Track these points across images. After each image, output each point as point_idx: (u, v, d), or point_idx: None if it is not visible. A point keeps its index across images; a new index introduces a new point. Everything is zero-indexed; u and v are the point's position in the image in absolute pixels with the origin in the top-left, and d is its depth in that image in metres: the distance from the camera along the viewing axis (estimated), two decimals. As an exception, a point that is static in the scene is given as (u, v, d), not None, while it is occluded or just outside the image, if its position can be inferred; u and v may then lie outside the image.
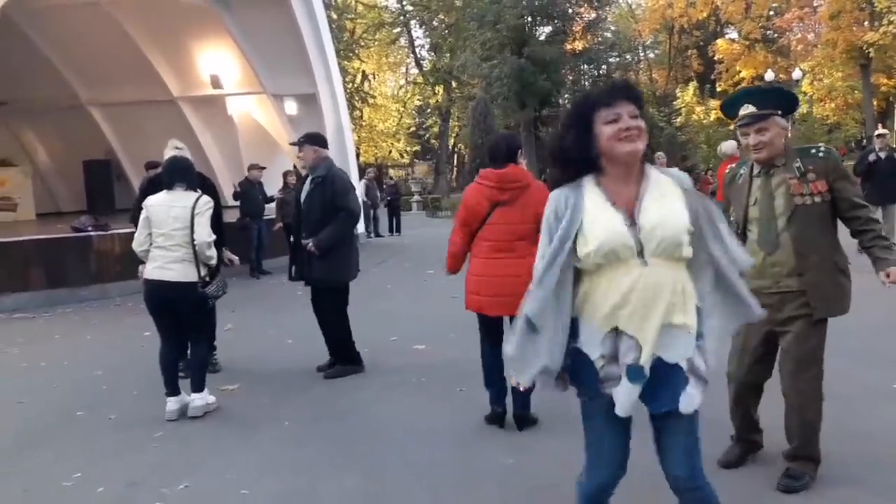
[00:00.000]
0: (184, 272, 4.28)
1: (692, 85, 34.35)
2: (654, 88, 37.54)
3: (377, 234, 17.85)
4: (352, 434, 4.06)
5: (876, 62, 30.16)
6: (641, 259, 1.93)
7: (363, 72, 39.39)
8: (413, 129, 47.52)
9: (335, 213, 4.99)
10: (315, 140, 5.21)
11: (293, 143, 5.48)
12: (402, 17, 40.04)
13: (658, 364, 1.94)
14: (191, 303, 4.35)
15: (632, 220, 1.95)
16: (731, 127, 29.91)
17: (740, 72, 35.36)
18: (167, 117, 15.92)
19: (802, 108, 33.84)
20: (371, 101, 39.62)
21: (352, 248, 5.26)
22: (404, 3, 39.73)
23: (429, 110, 46.32)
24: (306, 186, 5.19)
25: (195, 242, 4.27)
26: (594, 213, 1.98)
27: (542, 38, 29.22)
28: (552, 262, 2.00)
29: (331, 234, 4.95)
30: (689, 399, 1.95)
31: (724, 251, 2.01)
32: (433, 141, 47.42)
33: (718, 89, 36.92)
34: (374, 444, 3.88)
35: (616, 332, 1.96)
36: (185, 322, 4.42)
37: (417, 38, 42.43)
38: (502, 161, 3.83)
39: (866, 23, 28.56)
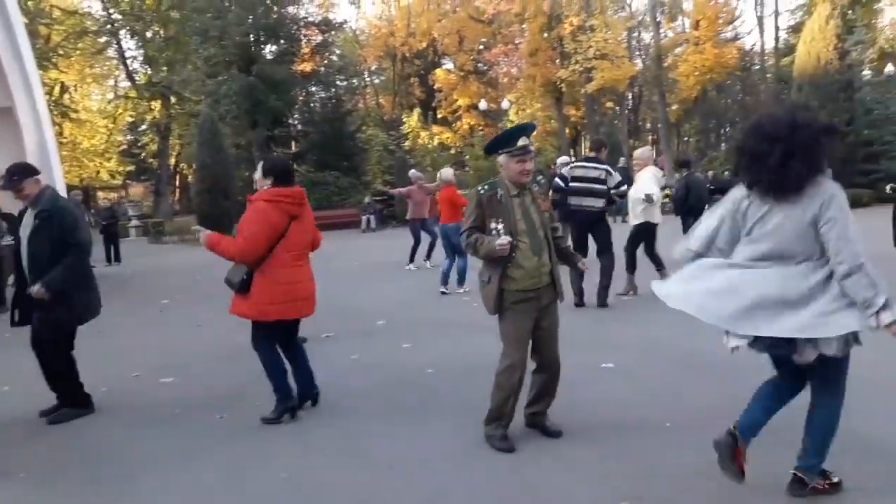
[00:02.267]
0: None
1: (416, 111, 36.58)
2: (381, 113, 39.21)
3: None
4: (104, 476, 3.65)
5: (567, 96, 35.15)
6: None
7: (62, 83, 35.04)
8: (125, 147, 43.47)
9: (66, 250, 4.42)
10: (31, 171, 4.58)
11: (3, 187, 4.58)
12: (109, 26, 36.40)
13: None
14: None
15: None
16: (452, 151, 32.22)
17: (457, 100, 38.60)
18: None
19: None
20: (73, 115, 35.39)
21: (91, 285, 4.69)
22: (111, 11, 36.21)
23: (144, 127, 42.74)
24: (27, 222, 4.50)
25: None
26: None
27: (270, 57, 28.84)
28: None
29: (62, 275, 4.38)
30: None
31: None
32: (151, 160, 43.81)
33: (439, 116, 39.84)
34: (134, 483, 3.54)
35: None
36: None
37: (129, 49, 38.93)
38: (292, 181, 4.37)
39: (558, 61, 33.10)
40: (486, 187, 3.66)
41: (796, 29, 30.84)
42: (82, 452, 4.04)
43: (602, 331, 6.38)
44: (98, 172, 39.93)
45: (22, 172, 4.52)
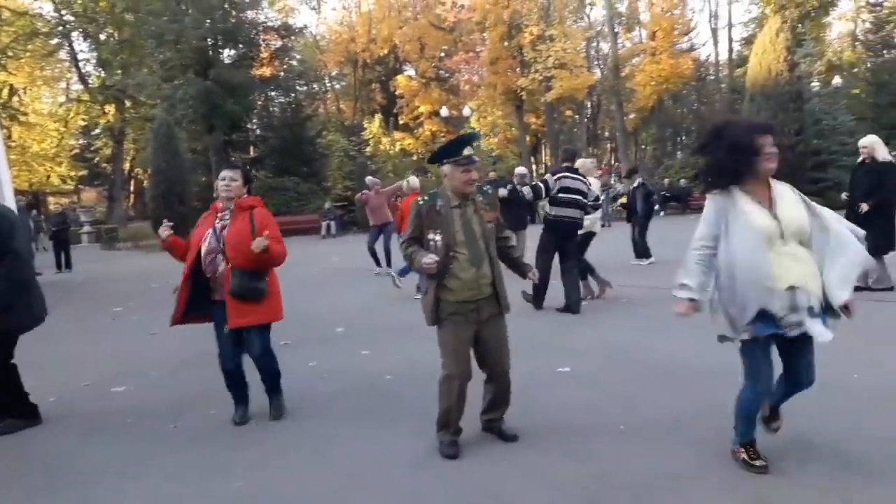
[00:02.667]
0: None
1: (377, 117, 36.49)
2: (342, 119, 39.01)
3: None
4: (56, 486, 3.55)
5: (527, 104, 35.53)
6: (783, 240, 2.97)
7: (10, 86, 34.08)
8: (77, 151, 42.43)
9: (2, 257, 4.25)
10: None
11: None
12: (60, 28, 35.48)
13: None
14: None
15: (773, 215, 2.99)
16: (414, 158, 32.28)
17: (419, 107, 38.65)
18: None
19: (471, 141, 38.14)
20: (22, 118, 34.40)
21: (34, 292, 4.53)
22: (63, 12, 35.29)
23: (97, 131, 41.78)
24: None
25: None
26: (748, 211, 3.00)
27: (228, 61, 28.46)
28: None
29: (1, 286, 4.20)
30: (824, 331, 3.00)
31: (831, 234, 3.04)
32: (104, 165, 42.81)
33: (401, 122, 39.85)
34: (86, 493, 3.44)
35: (792, 289, 2.94)
36: None
37: (82, 51, 38.03)
38: None
39: (518, 69, 33.44)
40: (426, 198, 3.63)
41: (749, 41, 31.73)
42: (31, 463, 3.92)
43: (560, 335, 6.43)
44: (49, 177, 38.89)
45: None
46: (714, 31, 40.60)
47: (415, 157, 38.34)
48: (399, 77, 40.26)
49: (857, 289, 7.79)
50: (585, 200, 7.49)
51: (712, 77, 40.48)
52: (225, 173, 4.31)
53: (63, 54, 37.46)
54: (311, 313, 8.26)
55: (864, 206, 7.26)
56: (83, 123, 41.55)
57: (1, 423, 4.44)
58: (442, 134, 39.34)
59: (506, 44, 33.47)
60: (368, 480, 3.40)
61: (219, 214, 4.29)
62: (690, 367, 4.92)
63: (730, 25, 38.92)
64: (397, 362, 5.65)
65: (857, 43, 35.50)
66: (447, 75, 39.67)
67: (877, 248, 7.28)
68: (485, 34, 35.04)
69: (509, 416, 3.86)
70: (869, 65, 30.89)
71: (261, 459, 3.76)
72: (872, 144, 7.47)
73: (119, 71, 35.58)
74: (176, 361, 6.22)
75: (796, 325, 2.97)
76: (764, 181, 3.07)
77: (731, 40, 38.74)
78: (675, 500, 3.01)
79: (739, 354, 3.14)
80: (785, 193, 3.09)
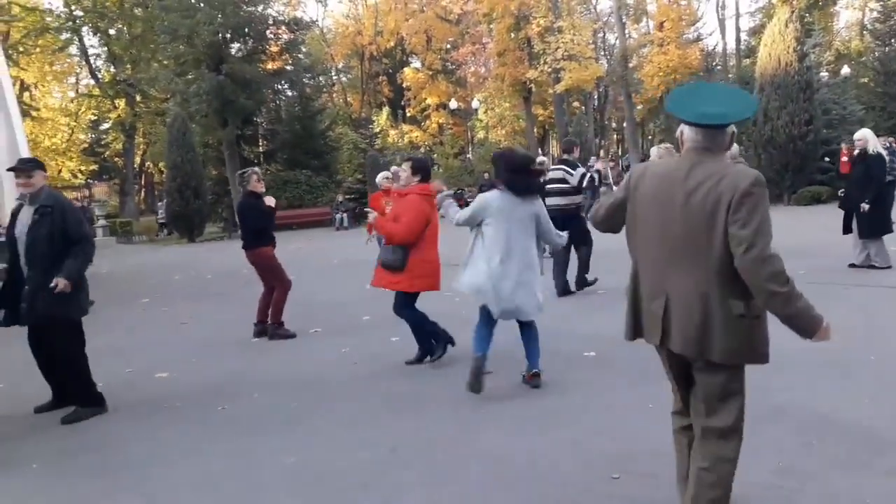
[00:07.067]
0: None
1: (385, 110, 36.62)
2: (350, 112, 39.15)
3: None
4: (113, 466, 3.80)
5: (535, 96, 35.60)
6: None
7: (22, 81, 34.39)
8: (87, 145, 42.81)
9: (67, 245, 4.56)
10: (42, 166, 4.82)
11: (14, 169, 4.74)
12: (70, 23, 35.72)
13: None
14: None
15: None
16: (422, 150, 32.11)
17: (426, 99, 38.75)
18: None
19: (480, 133, 38.20)
20: (34, 114, 34.75)
21: (84, 278, 4.81)
22: (73, 7, 35.50)
23: (108, 125, 42.09)
24: (26, 217, 4.60)
25: None
26: None
27: (239, 55, 28.61)
28: None
29: (77, 266, 4.57)
30: None
31: None
32: (116, 159, 43.17)
33: (408, 114, 39.97)
34: (144, 471, 3.69)
35: None
36: None
37: (92, 46, 38.26)
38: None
39: (526, 61, 33.50)
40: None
41: (756, 31, 31.70)
42: (89, 443, 4.16)
43: (584, 321, 6.65)
44: (60, 172, 39.22)
45: (35, 162, 4.85)
46: (721, 22, 40.61)
47: (423, 150, 38.49)
48: (406, 69, 40.36)
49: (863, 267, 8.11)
50: (568, 186, 7.84)
51: (720, 67, 40.41)
52: (402, 165, 5.46)
53: (73, 49, 37.75)
54: (336, 302, 8.52)
55: (865, 206, 7.78)
56: (93, 118, 41.86)
57: (72, 412, 4.64)
58: (449, 126, 39.44)
59: (513, 35, 33.50)
60: (410, 456, 3.64)
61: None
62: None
63: (737, 15, 38.82)
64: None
65: (864, 32, 35.40)
66: (454, 67, 39.75)
67: (872, 231, 7.88)
68: (491, 26, 35.06)
69: (537, 393, 4.06)
70: (877, 54, 30.81)
71: (308, 437, 4.01)
72: (864, 137, 7.96)
73: (129, 66, 35.83)
74: (211, 348, 6.49)
75: None
76: None
77: (738, 30, 38.71)
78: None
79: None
80: None
